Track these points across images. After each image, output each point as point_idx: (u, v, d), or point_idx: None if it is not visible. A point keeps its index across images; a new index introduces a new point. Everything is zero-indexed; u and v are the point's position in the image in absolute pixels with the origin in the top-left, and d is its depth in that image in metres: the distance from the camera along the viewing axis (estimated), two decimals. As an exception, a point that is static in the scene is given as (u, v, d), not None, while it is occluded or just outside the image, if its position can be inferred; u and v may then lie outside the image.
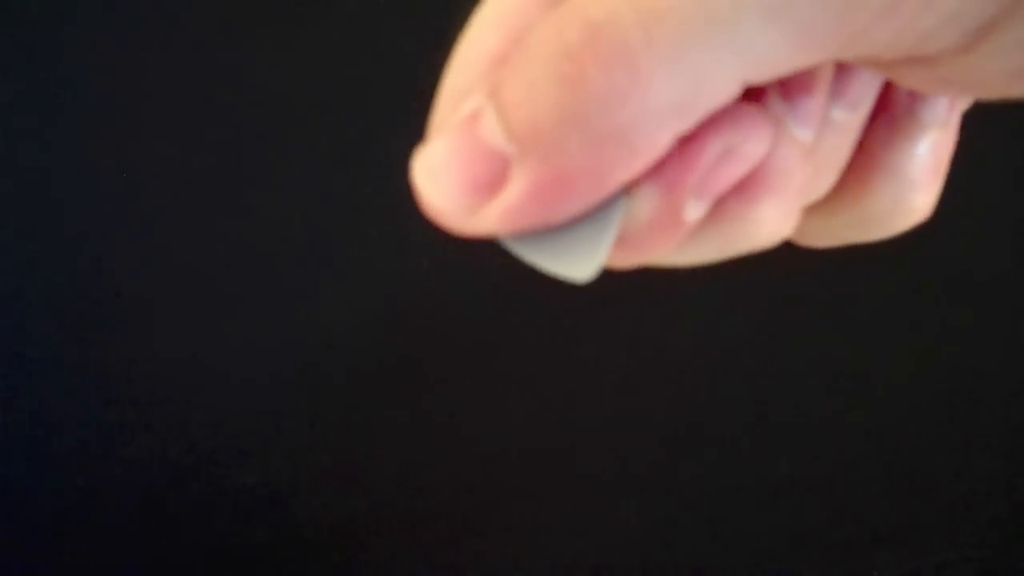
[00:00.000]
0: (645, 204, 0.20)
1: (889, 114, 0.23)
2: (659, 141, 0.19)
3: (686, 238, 0.21)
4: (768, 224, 0.21)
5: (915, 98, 0.23)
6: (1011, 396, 0.62)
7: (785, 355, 0.62)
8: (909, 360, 0.62)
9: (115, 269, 0.61)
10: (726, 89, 0.19)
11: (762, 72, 0.19)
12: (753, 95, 0.21)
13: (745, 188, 0.21)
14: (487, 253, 0.61)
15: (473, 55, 0.21)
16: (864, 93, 0.22)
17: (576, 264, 0.20)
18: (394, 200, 0.61)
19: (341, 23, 0.60)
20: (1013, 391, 0.62)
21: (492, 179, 0.20)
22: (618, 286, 0.63)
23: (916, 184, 0.23)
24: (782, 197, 0.21)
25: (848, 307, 0.62)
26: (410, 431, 0.62)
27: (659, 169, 0.20)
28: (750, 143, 0.20)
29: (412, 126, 0.61)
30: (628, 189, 0.20)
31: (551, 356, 0.62)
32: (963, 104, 0.24)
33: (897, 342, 0.62)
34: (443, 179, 0.20)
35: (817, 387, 0.62)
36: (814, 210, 0.24)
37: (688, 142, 0.20)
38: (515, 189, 0.20)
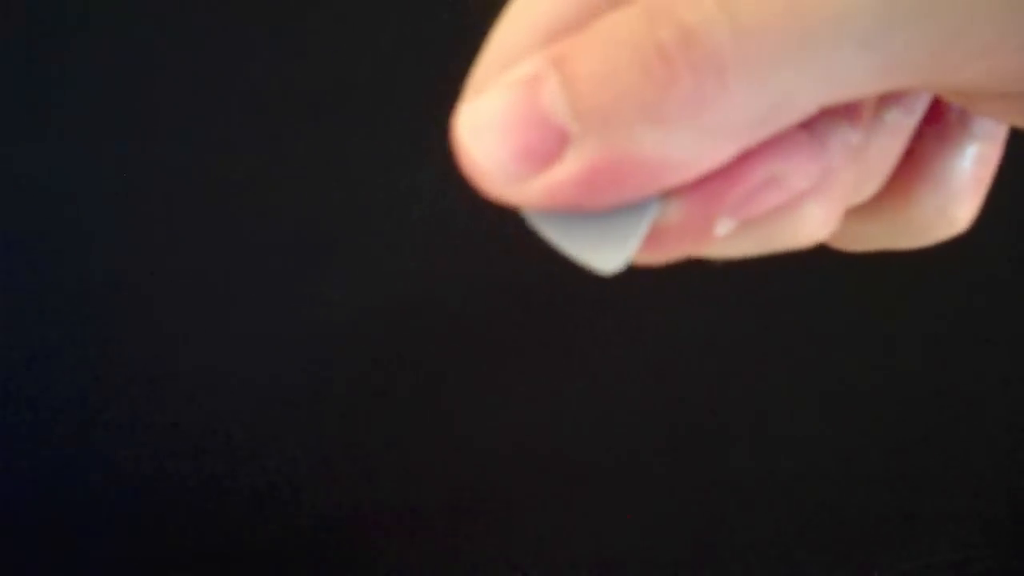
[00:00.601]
0: (677, 212, 0.20)
1: (939, 123, 0.23)
2: (724, 152, 0.19)
3: (716, 243, 0.21)
4: (811, 224, 0.21)
5: (967, 109, 0.23)
6: (1011, 396, 0.62)
7: (785, 355, 0.62)
8: (909, 360, 0.62)
9: (114, 269, 0.61)
10: (804, 110, 0.19)
11: (842, 96, 0.19)
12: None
13: None
14: (486, 254, 0.61)
15: (530, 17, 0.21)
16: (918, 99, 0.22)
17: (603, 255, 0.20)
18: (394, 199, 0.61)
19: (341, 23, 0.60)
20: (1013, 391, 0.62)
21: (545, 150, 0.19)
22: (618, 286, 0.63)
23: (960, 195, 0.23)
24: (827, 198, 0.21)
25: (849, 307, 0.62)
26: (410, 431, 0.62)
27: (701, 181, 0.20)
28: (795, 176, 0.20)
29: (412, 126, 0.61)
30: (665, 191, 0.20)
31: (551, 356, 0.62)
32: None
33: (897, 342, 0.62)
34: (492, 140, 0.20)
35: (817, 387, 0.62)
36: (853, 214, 0.24)
37: (737, 162, 0.20)
38: (568, 167, 0.19)
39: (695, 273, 0.61)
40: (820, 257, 0.62)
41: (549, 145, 0.19)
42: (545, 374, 0.62)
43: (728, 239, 0.21)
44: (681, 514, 0.63)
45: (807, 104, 0.19)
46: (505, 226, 0.62)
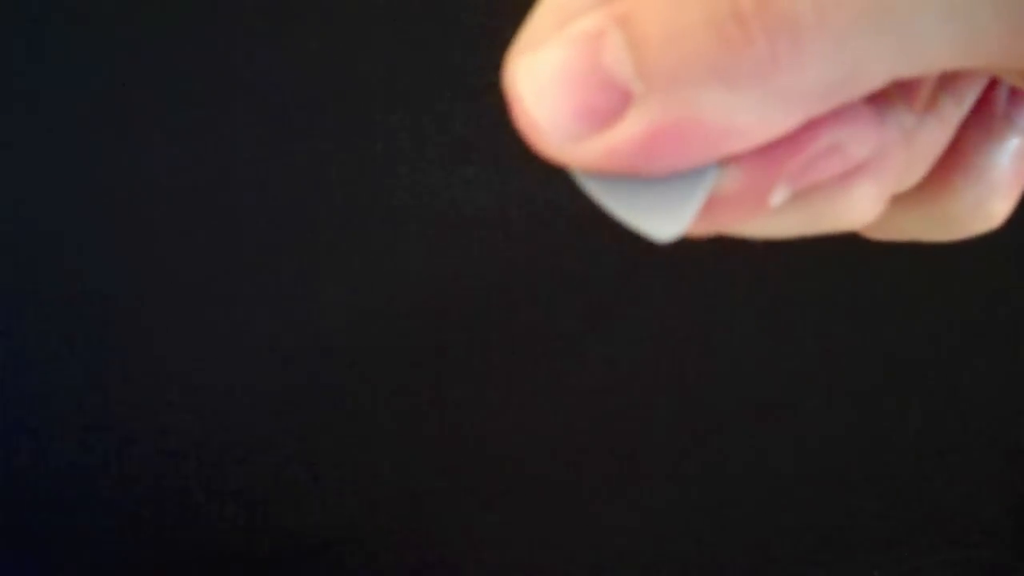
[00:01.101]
0: (736, 178, 0.20)
1: (985, 115, 0.23)
2: (791, 120, 0.19)
3: (769, 214, 0.21)
4: (858, 207, 0.21)
5: (1014, 103, 0.23)
6: (1011, 396, 0.62)
7: (785, 354, 0.62)
8: (910, 360, 0.62)
9: (114, 269, 0.60)
10: (876, 80, 0.18)
11: (916, 69, 0.18)
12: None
13: None
14: (486, 255, 0.61)
15: None
16: (971, 87, 0.22)
17: (660, 222, 0.20)
18: (394, 199, 0.61)
19: (340, 22, 0.60)
20: (1013, 392, 0.62)
21: (607, 109, 0.19)
22: (618, 286, 0.63)
23: (999, 189, 0.23)
24: (879, 178, 0.21)
25: (849, 307, 0.62)
26: (410, 432, 0.62)
27: (761, 148, 0.19)
28: (856, 144, 0.20)
29: (413, 126, 0.61)
30: (724, 159, 0.19)
31: (551, 356, 0.62)
32: None
33: (897, 342, 0.62)
34: (552, 96, 0.19)
35: (817, 387, 0.62)
36: (891, 202, 0.23)
37: (800, 129, 0.19)
38: (630, 128, 0.19)
39: (696, 273, 0.62)
40: (820, 257, 0.62)
41: (611, 104, 0.19)
42: (545, 374, 0.62)
43: (777, 215, 0.21)
44: (681, 514, 0.63)
45: (881, 74, 0.18)
46: (505, 226, 0.62)
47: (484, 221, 0.62)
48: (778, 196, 0.20)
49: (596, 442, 0.63)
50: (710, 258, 0.62)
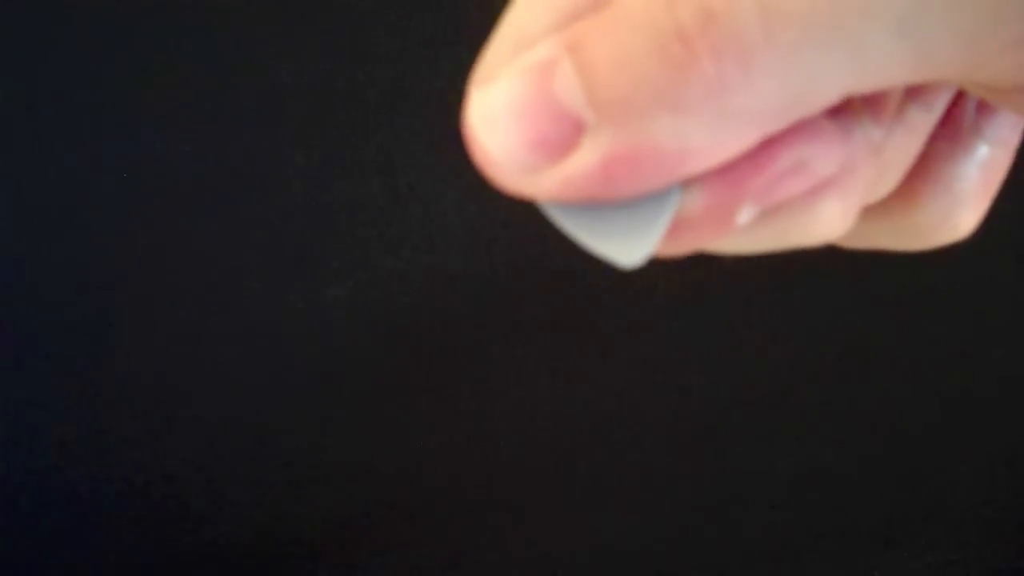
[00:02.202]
0: (699, 200, 0.19)
1: (952, 125, 0.23)
2: (746, 139, 0.18)
3: (736, 232, 0.20)
4: (826, 222, 0.20)
5: (982, 113, 0.23)
6: (1011, 396, 0.62)
7: (785, 354, 0.62)
8: (910, 360, 0.62)
9: (114, 268, 0.60)
10: (830, 97, 0.18)
11: (870, 85, 0.18)
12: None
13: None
14: (486, 255, 0.61)
15: None
16: (940, 98, 0.22)
17: (625, 248, 0.19)
18: (393, 200, 0.61)
19: (340, 21, 0.60)
20: (1013, 391, 0.62)
21: (559, 140, 0.19)
22: (617, 285, 0.63)
23: (966, 200, 0.23)
24: (847, 193, 0.20)
25: (849, 308, 0.62)
26: (410, 432, 0.62)
27: (724, 168, 0.19)
28: (821, 160, 0.20)
29: (414, 125, 0.61)
30: (687, 180, 0.19)
31: (551, 356, 0.62)
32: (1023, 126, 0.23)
33: (897, 342, 0.62)
34: (505, 130, 0.19)
35: (817, 387, 0.62)
36: (861, 211, 0.23)
37: (760, 148, 0.19)
38: (584, 158, 0.18)
39: (696, 273, 0.62)
40: (821, 258, 0.62)
41: (564, 135, 0.19)
42: (545, 374, 0.62)
43: (745, 232, 0.21)
44: (681, 514, 0.63)
45: (834, 91, 0.18)
46: (506, 226, 0.62)
47: (487, 220, 0.62)
48: (744, 215, 0.20)
49: (596, 442, 0.63)
50: (710, 258, 0.62)
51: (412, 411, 0.62)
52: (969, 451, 0.62)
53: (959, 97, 0.22)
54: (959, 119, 0.23)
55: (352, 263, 0.61)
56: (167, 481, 0.62)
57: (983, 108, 0.23)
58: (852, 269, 0.62)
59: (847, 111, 0.20)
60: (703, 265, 0.62)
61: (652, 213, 0.19)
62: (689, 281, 0.62)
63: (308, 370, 0.62)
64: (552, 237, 0.63)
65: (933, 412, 0.62)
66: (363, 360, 0.62)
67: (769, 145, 0.19)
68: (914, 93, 0.22)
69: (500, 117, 0.19)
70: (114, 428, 0.61)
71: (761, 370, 0.62)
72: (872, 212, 0.23)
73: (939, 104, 0.22)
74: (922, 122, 0.22)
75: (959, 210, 0.23)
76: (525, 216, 0.61)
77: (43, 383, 0.61)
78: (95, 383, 0.61)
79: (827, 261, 0.62)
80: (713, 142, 0.18)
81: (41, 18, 0.58)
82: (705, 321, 0.62)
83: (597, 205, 0.19)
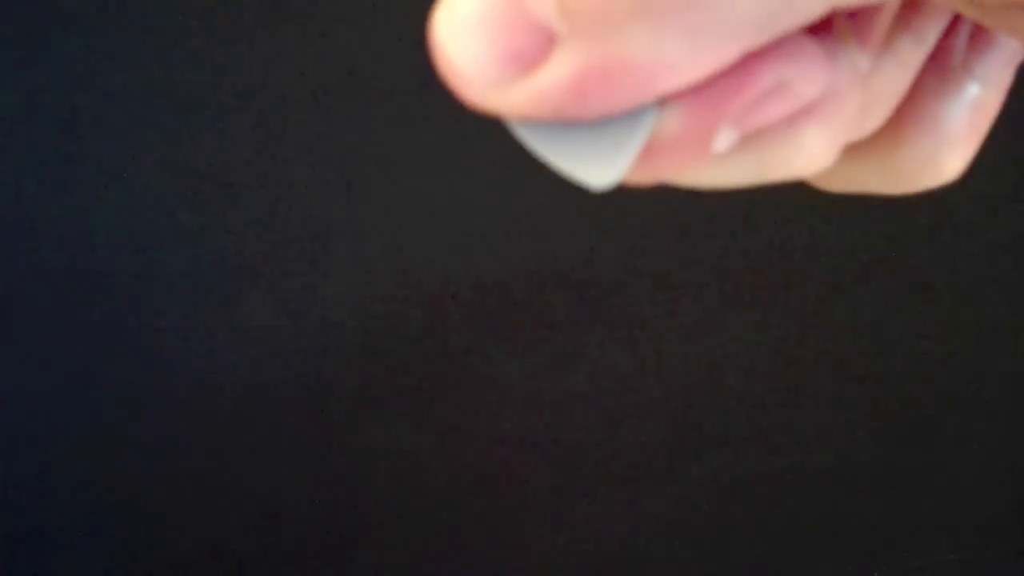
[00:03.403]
0: (676, 120, 0.18)
1: (941, 63, 0.22)
2: (726, 53, 0.17)
3: (714, 160, 0.19)
4: (811, 148, 0.19)
5: (973, 51, 0.22)
6: (1011, 396, 0.62)
7: (785, 355, 0.62)
8: (909, 360, 0.62)
9: (114, 268, 0.61)
10: (814, 9, 0.17)
11: None
12: (818, 24, 0.19)
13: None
14: (486, 255, 0.61)
15: None
16: (931, 28, 0.21)
17: (595, 169, 0.18)
18: (393, 199, 0.62)
19: (340, 21, 0.60)
20: (1013, 391, 0.62)
21: (531, 52, 0.18)
22: (616, 285, 0.63)
23: (953, 141, 0.22)
24: (830, 121, 0.19)
25: (848, 307, 0.62)
26: (409, 432, 0.62)
27: (702, 87, 0.18)
28: (803, 82, 0.19)
29: (414, 125, 0.61)
30: (663, 99, 0.18)
31: (551, 355, 0.62)
32: (1016, 65, 0.22)
33: (897, 342, 0.62)
34: (473, 41, 0.18)
35: (817, 387, 0.62)
36: (844, 150, 0.22)
37: (740, 66, 0.18)
38: (555, 72, 0.18)
39: (697, 272, 0.62)
40: (821, 257, 0.62)
41: (534, 47, 0.18)
42: (545, 374, 0.62)
43: (723, 162, 0.20)
44: (681, 514, 0.63)
45: (817, 3, 0.17)
46: (506, 227, 0.62)
47: (486, 220, 0.62)
48: (722, 140, 0.19)
49: (596, 442, 0.63)
50: (710, 258, 0.62)
51: (410, 414, 0.62)
52: (969, 451, 0.62)
53: (950, 33, 0.22)
54: (949, 56, 0.22)
55: (351, 262, 0.61)
56: (167, 481, 0.62)
57: (974, 46, 0.22)
58: (852, 268, 0.62)
59: (832, 34, 0.20)
60: (703, 264, 0.62)
61: (625, 133, 0.18)
62: (689, 281, 0.62)
63: (308, 370, 0.62)
64: (552, 237, 0.63)
65: (933, 412, 0.62)
66: (362, 360, 0.62)
67: (749, 63, 0.18)
68: (904, 23, 0.21)
69: (468, 28, 0.18)
70: (114, 428, 0.61)
71: (761, 370, 0.62)
72: (857, 151, 0.22)
73: (930, 37, 0.21)
74: (911, 55, 0.21)
75: (945, 151, 0.22)
76: (526, 216, 0.61)
77: (43, 383, 0.61)
78: (95, 383, 0.61)
79: (828, 261, 0.62)
80: (690, 56, 0.17)
81: (41, 18, 0.58)
82: (705, 321, 0.62)
83: (568, 124, 0.18)
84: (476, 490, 0.63)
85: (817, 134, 0.19)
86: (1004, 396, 0.62)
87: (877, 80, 0.21)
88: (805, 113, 0.19)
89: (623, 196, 0.60)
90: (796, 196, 0.61)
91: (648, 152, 0.19)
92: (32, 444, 0.61)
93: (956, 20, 0.22)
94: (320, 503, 0.62)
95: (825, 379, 0.62)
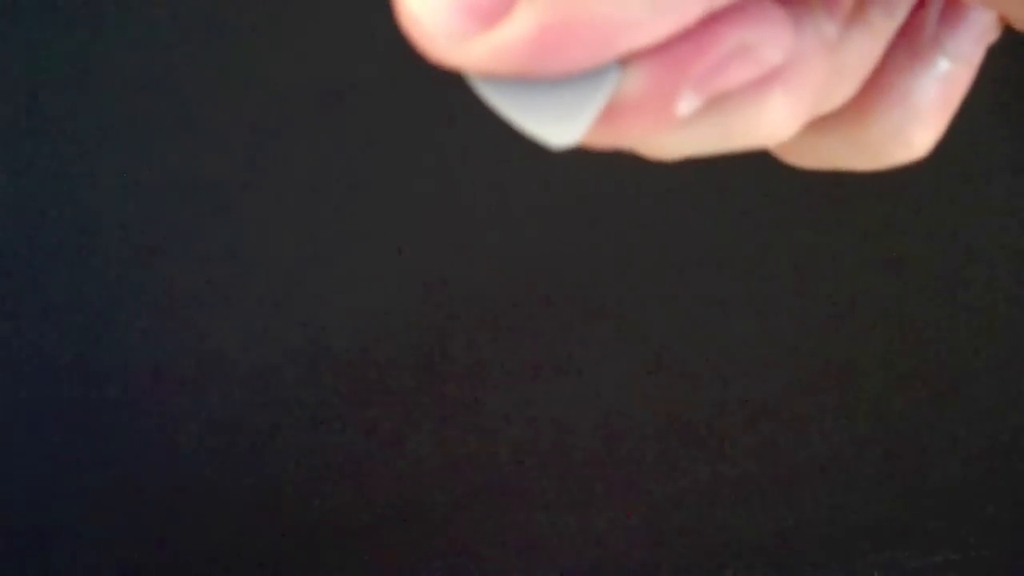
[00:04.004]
0: (637, 82, 0.18)
1: (912, 37, 0.22)
2: (689, 13, 0.18)
3: (676, 126, 0.20)
4: (775, 115, 0.20)
5: (944, 26, 0.22)
6: (1011, 396, 0.62)
7: (784, 354, 0.62)
8: (909, 359, 0.62)
9: (114, 268, 0.61)
10: None
11: None
12: None
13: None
14: (486, 254, 0.62)
15: None
16: (902, 1, 0.21)
17: (555, 127, 0.18)
18: (393, 198, 0.62)
19: (340, 20, 0.60)
20: (1013, 391, 0.62)
21: (492, 8, 0.18)
22: (615, 283, 0.63)
23: (922, 117, 0.22)
24: (793, 91, 0.19)
25: (848, 307, 0.62)
26: (409, 431, 0.62)
27: (664, 48, 0.18)
28: (767, 47, 0.19)
29: (415, 125, 0.61)
30: (625, 60, 0.18)
31: (551, 355, 0.62)
32: (988, 42, 0.22)
33: (897, 341, 0.62)
34: None
35: (817, 387, 0.62)
36: (812, 123, 0.22)
37: (703, 27, 0.18)
38: (517, 26, 0.18)
39: (697, 272, 0.62)
40: (821, 256, 0.62)
41: (496, 2, 0.18)
42: (545, 374, 0.62)
43: (686, 127, 0.20)
44: (681, 514, 0.63)
45: None
46: (506, 226, 0.62)
47: (487, 219, 0.62)
48: (685, 104, 0.19)
49: (595, 443, 0.63)
50: (711, 257, 0.62)
51: (410, 411, 0.62)
52: (969, 451, 0.62)
53: (921, 6, 0.22)
54: (920, 30, 0.22)
55: (353, 263, 0.61)
56: (167, 481, 0.62)
57: (946, 21, 0.22)
58: (853, 268, 0.62)
59: (800, 0, 0.20)
60: (703, 263, 0.62)
61: (587, 92, 0.18)
62: (688, 280, 0.62)
63: (308, 370, 0.62)
64: (552, 237, 0.63)
65: (933, 412, 0.62)
66: (363, 360, 0.62)
67: (713, 24, 0.18)
68: None
69: None
70: (113, 427, 0.61)
71: (760, 369, 0.62)
72: (827, 124, 0.22)
73: (901, 9, 0.21)
74: (881, 27, 0.21)
75: (914, 126, 0.22)
76: (527, 220, 0.62)
77: (43, 383, 0.61)
78: (95, 383, 0.61)
79: (828, 260, 0.62)
80: (652, 14, 0.17)
81: (41, 18, 0.59)
82: (704, 321, 0.62)
83: (529, 81, 0.18)
84: (476, 493, 0.63)
85: (782, 101, 0.20)
86: (1004, 396, 0.62)
87: (846, 50, 0.21)
88: (770, 79, 0.19)
89: (624, 199, 0.60)
90: (797, 196, 0.61)
91: (610, 113, 0.19)
92: (32, 444, 0.61)
93: None
94: (318, 509, 0.62)
95: (824, 378, 0.62)
